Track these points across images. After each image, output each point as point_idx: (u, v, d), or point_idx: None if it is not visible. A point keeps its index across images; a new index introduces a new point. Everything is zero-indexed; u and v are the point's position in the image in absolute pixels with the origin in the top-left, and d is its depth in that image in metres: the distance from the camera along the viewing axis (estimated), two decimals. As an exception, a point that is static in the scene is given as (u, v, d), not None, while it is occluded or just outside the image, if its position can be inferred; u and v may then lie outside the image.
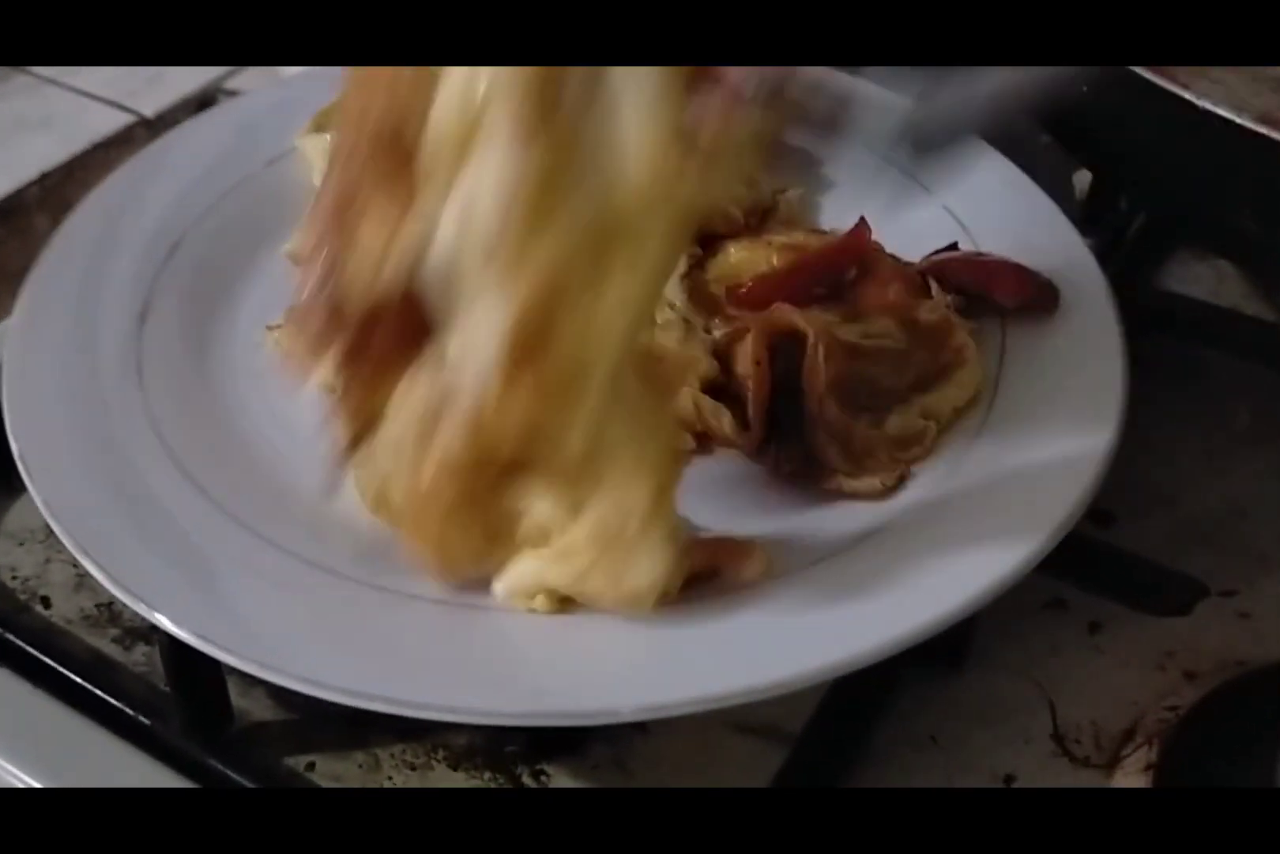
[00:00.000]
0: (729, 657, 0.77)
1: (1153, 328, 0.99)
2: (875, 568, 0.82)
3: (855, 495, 0.88)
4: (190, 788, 0.85)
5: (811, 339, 0.89)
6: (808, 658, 0.76)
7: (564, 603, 0.80)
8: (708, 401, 0.91)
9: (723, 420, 0.90)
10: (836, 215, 1.08)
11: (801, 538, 0.85)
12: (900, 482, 0.89)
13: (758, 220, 1.06)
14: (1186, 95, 0.94)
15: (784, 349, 0.90)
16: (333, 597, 0.81)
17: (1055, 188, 1.10)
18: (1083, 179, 1.25)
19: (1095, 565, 0.93)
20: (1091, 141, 1.12)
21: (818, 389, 0.88)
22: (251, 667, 0.76)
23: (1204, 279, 1.23)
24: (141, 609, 0.79)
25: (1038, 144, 1.23)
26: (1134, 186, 1.16)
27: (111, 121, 1.39)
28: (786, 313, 0.91)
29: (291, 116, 1.11)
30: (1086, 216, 1.11)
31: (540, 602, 0.80)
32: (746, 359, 0.90)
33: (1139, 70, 1.01)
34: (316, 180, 1.07)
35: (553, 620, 0.80)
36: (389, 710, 0.75)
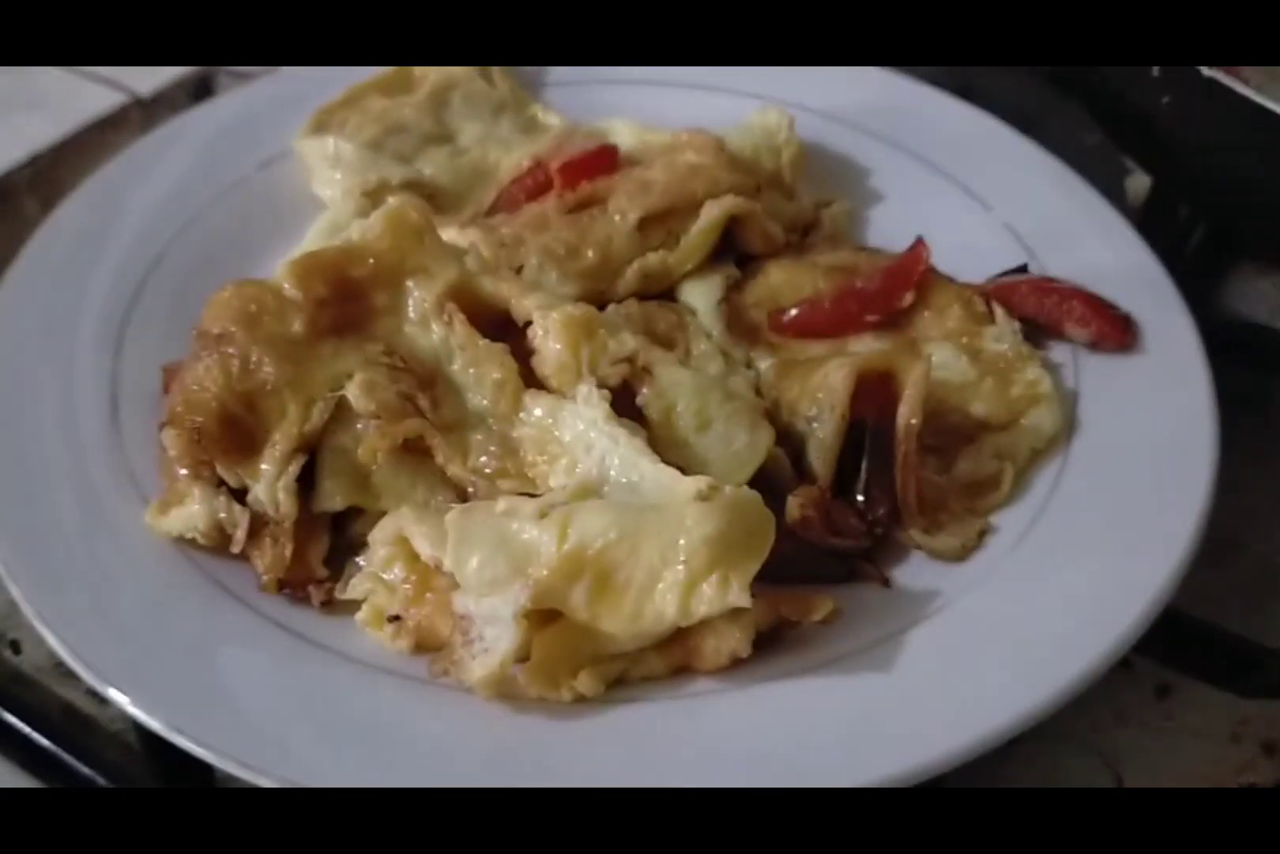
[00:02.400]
0: (779, 764, 0.69)
1: (1217, 355, 0.91)
2: (941, 653, 0.74)
3: (933, 554, 0.80)
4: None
5: (914, 382, 0.81)
6: (869, 768, 0.68)
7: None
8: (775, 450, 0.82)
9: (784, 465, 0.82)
10: (885, 231, 0.99)
11: (857, 612, 0.76)
12: (980, 539, 0.81)
13: (799, 237, 0.98)
14: (1258, 99, 0.89)
15: (864, 390, 0.82)
16: (326, 680, 0.73)
17: (1106, 193, 1.02)
18: (1135, 184, 1.16)
19: (1172, 635, 0.84)
20: (1154, 144, 1.04)
21: (913, 436, 0.80)
22: (235, 767, 0.68)
23: (1267, 296, 1.14)
24: (109, 693, 0.71)
25: (1086, 144, 1.15)
26: (1197, 193, 1.08)
27: (104, 101, 1.30)
28: (888, 354, 0.84)
29: (289, 113, 1.02)
30: (1143, 225, 1.02)
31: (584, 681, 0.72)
32: (805, 400, 0.82)
33: (1209, 71, 0.95)
34: (316, 188, 0.99)
35: (580, 717, 0.71)
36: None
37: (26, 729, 0.82)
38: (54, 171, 1.22)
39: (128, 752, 0.83)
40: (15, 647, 0.88)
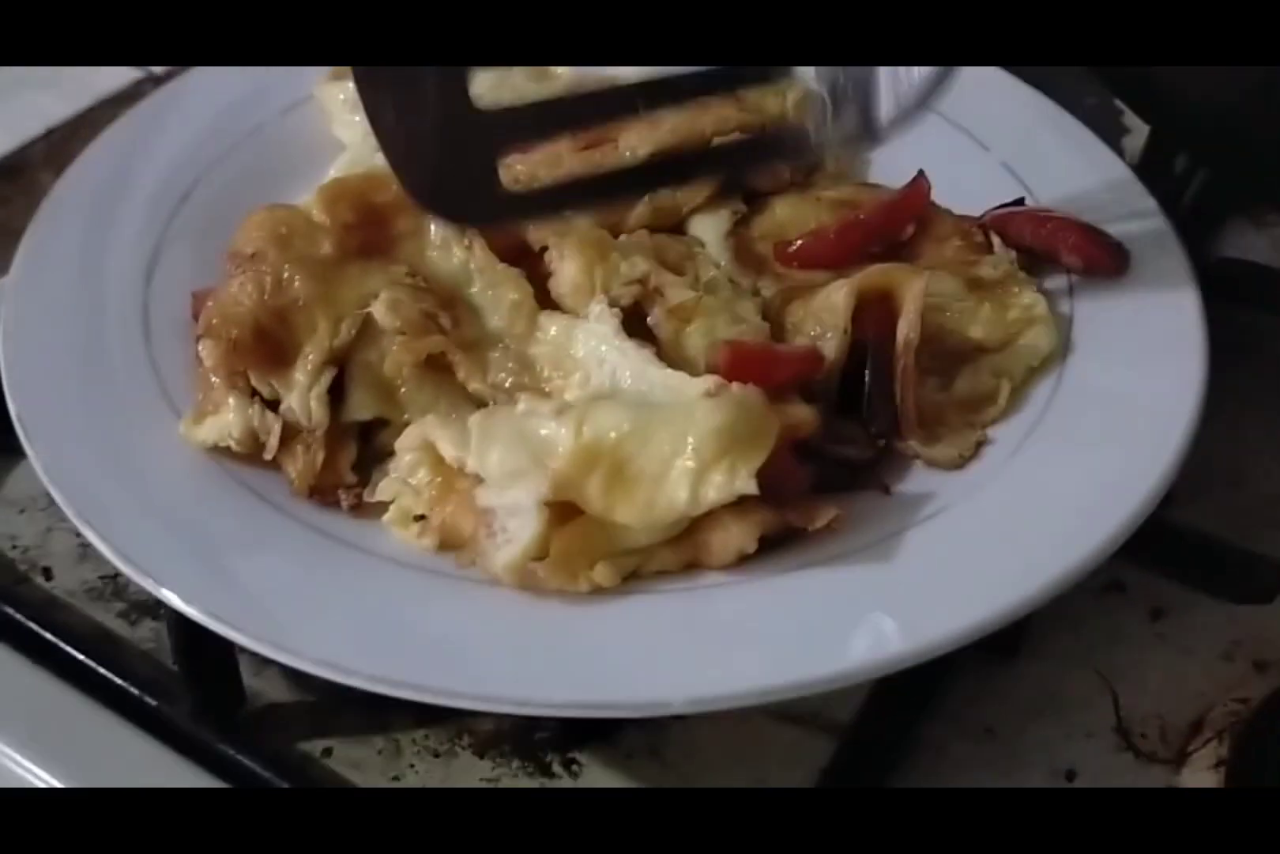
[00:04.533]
0: (786, 645, 0.72)
1: (1212, 294, 0.93)
2: (940, 550, 0.77)
3: (931, 463, 0.83)
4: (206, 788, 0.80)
5: (911, 297, 0.84)
6: (870, 648, 0.71)
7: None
8: None
9: None
10: (886, 170, 1.02)
11: (860, 516, 0.79)
12: (976, 449, 0.83)
13: (804, 175, 1.00)
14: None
15: (865, 308, 0.85)
16: (355, 573, 0.76)
17: (1105, 149, 1.04)
18: (1133, 142, 1.19)
19: (1162, 546, 0.87)
20: (1153, 95, 1.07)
21: (911, 350, 0.83)
22: (266, 648, 0.71)
23: (1258, 247, 1.17)
24: (148, 584, 0.74)
25: (1086, 104, 1.18)
26: (1195, 143, 1.10)
27: (118, 78, 1.33)
28: (886, 271, 0.86)
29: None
30: (1140, 177, 1.05)
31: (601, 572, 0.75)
32: (810, 321, 0.85)
33: None
34: (336, 131, 1.02)
35: (596, 605, 0.75)
36: (417, 698, 0.69)
37: (64, 645, 0.86)
38: (69, 147, 1.23)
39: (159, 668, 0.86)
40: (47, 573, 0.91)
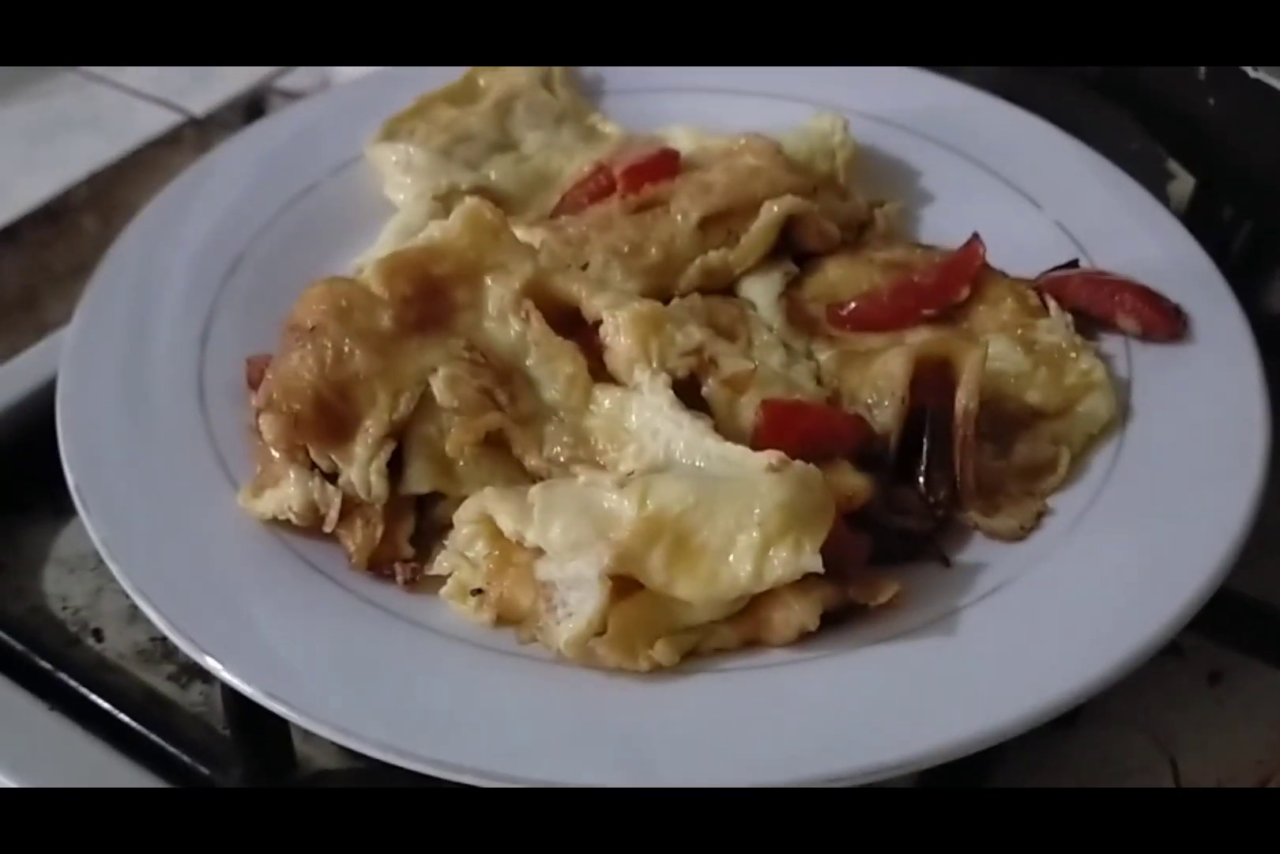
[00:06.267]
0: (851, 729, 0.71)
1: (1264, 350, 0.93)
2: (1004, 627, 0.76)
3: (991, 534, 0.82)
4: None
5: (970, 367, 0.83)
6: (936, 734, 0.70)
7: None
8: None
9: None
10: (937, 230, 1.02)
11: (921, 590, 0.79)
12: (1037, 519, 0.83)
13: (854, 235, 1.01)
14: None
15: (922, 376, 0.84)
16: (412, 650, 0.76)
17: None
18: (1178, 190, 1.18)
19: (1220, 613, 0.85)
20: (1200, 144, 1.06)
21: (971, 420, 0.82)
22: (323, 728, 0.70)
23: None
24: (202, 659, 0.74)
25: (1129, 150, 1.17)
26: (1242, 194, 1.09)
27: (159, 120, 1.34)
28: (944, 340, 0.86)
29: (358, 121, 1.06)
30: (1188, 225, 1.04)
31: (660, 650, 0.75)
32: (866, 388, 0.85)
33: (1255, 73, 0.97)
34: (388, 192, 1.03)
35: (655, 685, 0.74)
36: (476, 783, 0.69)
37: (114, 710, 0.85)
38: (111, 190, 1.26)
39: (209, 732, 0.85)
40: (98, 635, 0.91)
